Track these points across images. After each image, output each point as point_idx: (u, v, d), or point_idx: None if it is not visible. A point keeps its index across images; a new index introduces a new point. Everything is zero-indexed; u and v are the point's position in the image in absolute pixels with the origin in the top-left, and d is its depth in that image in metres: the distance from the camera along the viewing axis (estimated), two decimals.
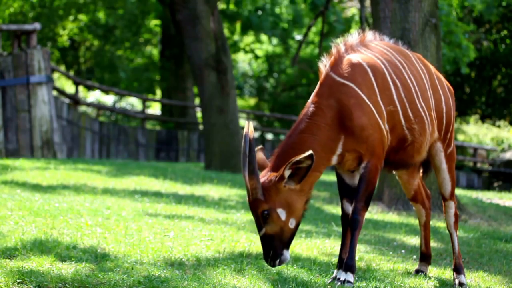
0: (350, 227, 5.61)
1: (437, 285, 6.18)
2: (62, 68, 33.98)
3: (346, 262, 5.61)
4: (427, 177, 6.60)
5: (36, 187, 11.09)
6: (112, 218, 8.18)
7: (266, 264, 6.33)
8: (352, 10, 30.29)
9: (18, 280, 5.24)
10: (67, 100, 23.31)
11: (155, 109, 35.89)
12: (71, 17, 29.99)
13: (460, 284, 6.24)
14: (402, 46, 6.13)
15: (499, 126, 31.47)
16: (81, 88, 32.62)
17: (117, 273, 5.47)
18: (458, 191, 16.09)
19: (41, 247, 6.17)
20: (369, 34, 5.92)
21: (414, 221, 10.49)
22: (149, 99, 28.23)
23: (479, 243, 8.78)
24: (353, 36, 5.83)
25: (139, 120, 28.04)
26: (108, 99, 33.69)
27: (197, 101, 28.45)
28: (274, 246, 5.47)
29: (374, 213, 11.61)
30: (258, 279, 5.68)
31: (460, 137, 29.97)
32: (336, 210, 11.63)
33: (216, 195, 12.10)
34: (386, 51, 5.84)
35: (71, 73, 34.78)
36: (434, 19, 11.61)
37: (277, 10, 28.70)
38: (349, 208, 5.77)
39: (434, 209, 11.61)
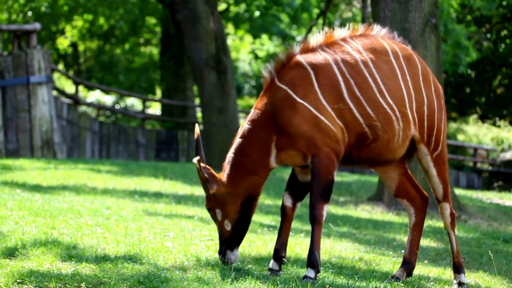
0: (310, 222, 5.79)
1: (437, 285, 6.18)
2: (61, 67, 33.99)
3: (307, 257, 5.79)
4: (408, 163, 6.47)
5: (36, 187, 11.08)
6: (112, 218, 8.18)
7: (266, 264, 6.34)
8: (353, 10, 30.29)
9: (18, 280, 5.24)
10: (67, 100, 23.30)
11: (155, 109, 35.88)
12: (70, 25, 30.00)
13: (460, 284, 6.19)
14: (391, 41, 6.12)
15: (499, 126, 31.46)
16: (81, 88, 32.63)
17: (117, 273, 5.47)
18: (458, 191, 16.08)
19: (41, 247, 6.17)
20: (342, 32, 6.00)
21: None
22: (149, 99, 28.22)
23: (479, 243, 8.78)
24: (318, 36, 5.98)
25: (139, 120, 28.03)
26: (108, 99, 33.68)
27: (197, 101, 28.45)
28: (220, 243, 5.95)
29: (374, 213, 11.61)
30: (258, 279, 5.68)
31: (460, 137, 29.95)
32: (336, 210, 11.64)
33: None
34: (350, 50, 5.92)
35: (71, 73, 34.79)
36: (434, 19, 11.61)
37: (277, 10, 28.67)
38: (288, 201, 6.03)
39: (433, 208, 11.62)
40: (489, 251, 7.83)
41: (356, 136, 5.83)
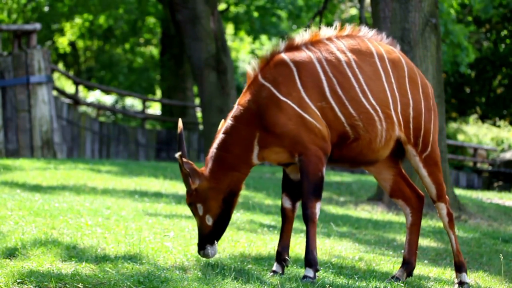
0: (304, 221, 5.79)
1: (437, 285, 6.18)
2: (61, 67, 33.98)
3: (305, 257, 5.78)
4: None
5: (36, 187, 11.08)
6: (112, 218, 8.18)
7: (266, 264, 6.35)
8: (351, 10, 30.29)
9: (18, 280, 5.24)
10: (67, 100, 23.31)
11: (155, 109, 35.89)
12: (70, 23, 30.00)
13: (461, 283, 6.18)
14: (376, 42, 6.12)
15: (499, 126, 31.46)
16: (81, 88, 32.63)
17: (117, 273, 5.47)
18: (458, 191, 16.08)
19: (41, 247, 6.17)
20: (328, 31, 6.02)
21: None
22: (149, 99, 28.22)
23: (479, 243, 8.78)
24: (303, 34, 6.00)
25: (139, 120, 28.04)
26: (108, 99, 33.68)
27: (197, 101, 28.45)
28: (199, 238, 5.93)
29: (374, 213, 11.61)
30: (258, 279, 5.68)
31: (460, 137, 29.95)
32: (336, 210, 11.63)
33: None
34: (334, 50, 5.94)
35: (71, 73, 34.78)
36: (434, 19, 11.61)
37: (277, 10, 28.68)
38: (287, 203, 6.04)
39: (433, 208, 11.61)
40: (500, 254, 7.83)
41: (338, 135, 5.85)
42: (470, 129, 30.50)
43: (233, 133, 5.87)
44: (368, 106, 5.88)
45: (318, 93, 5.81)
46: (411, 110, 6.07)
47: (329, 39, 6.00)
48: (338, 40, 6.00)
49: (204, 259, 6.12)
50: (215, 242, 5.95)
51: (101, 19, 29.79)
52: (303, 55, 5.90)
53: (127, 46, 33.19)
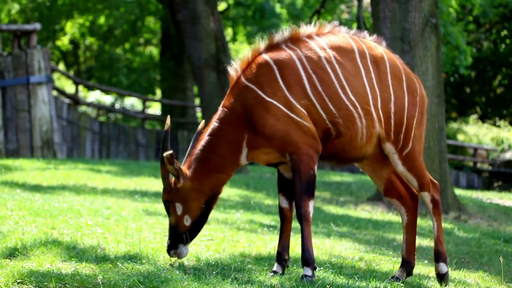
0: (298, 221, 5.80)
1: (437, 285, 6.18)
2: (61, 67, 33.98)
3: (301, 256, 5.78)
4: None
5: (36, 187, 11.08)
6: (112, 218, 8.18)
7: (266, 264, 6.34)
8: (352, 10, 30.27)
9: (18, 280, 5.24)
10: (67, 100, 23.30)
11: (155, 109, 35.89)
12: (71, 22, 30.00)
13: (439, 275, 6.07)
14: (358, 37, 6.11)
15: (499, 126, 31.47)
16: (81, 88, 32.63)
17: (117, 273, 5.47)
18: (458, 191, 16.08)
19: (41, 247, 6.17)
20: (308, 29, 6.01)
21: None
22: (149, 99, 28.21)
23: (479, 243, 8.78)
24: (283, 32, 5.99)
25: (139, 120, 28.03)
26: (108, 99, 33.69)
27: (197, 101, 28.44)
28: (172, 237, 5.93)
29: (374, 213, 11.61)
30: (258, 279, 5.68)
31: (460, 137, 29.94)
32: (336, 210, 11.63)
33: None
34: (314, 47, 5.92)
35: (71, 73, 34.78)
36: (434, 19, 11.61)
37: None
38: (284, 203, 6.05)
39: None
40: (500, 256, 7.82)
41: (322, 132, 5.84)
42: (470, 129, 30.50)
43: (220, 135, 5.88)
44: (347, 103, 5.85)
45: (300, 91, 5.81)
46: (392, 105, 6.01)
47: (309, 36, 5.99)
48: (318, 37, 5.99)
49: (175, 259, 6.08)
50: (189, 242, 5.97)
51: (101, 19, 29.78)
52: (283, 54, 5.88)
53: (127, 46, 33.19)
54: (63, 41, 32.22)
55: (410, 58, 11.40)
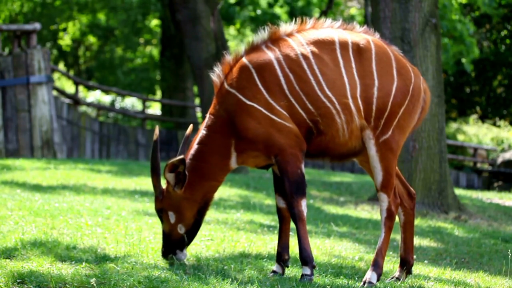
0: (292, 221, 5.80)
1: (437, 285, 6.18)
2: (62, 67, 33.98)
3: (299, 256, 5.77)
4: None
5: (36, 187, 11.08)
6: (112, 218, 8.18)
7: (266, 264, 6.34)
8: (352, 10, 30.27)
9: (18, 280, 5.24)
10: (67, 100, 23.31)
11: (155, 109, 35.89)
12: (72, 21, 30.01)
13: (369, 282, 5.78)
14: (340, 29, 6.01)
15: (499, 126, 31.47)
16: (81, 88, 32.63)
17: (117, 273, 5.47)
18: (458, 191, 16.08)
19: (41, 247, 6.17)
20: (288, 27, 5.96)
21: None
22: (149, 99, 28.21)
23: (479, 243, 8.78)
24: (262, 33, 5.96)
25: (139, 120, 28.04)
26: (108, 99, 33.68)
27: (197, 101, 28.44)
28: (167, 244, 5.99)
29: (374, 213, 11.61)
30: (258, 279, 5.68)
31: (460, 137, 29.95)
32: (336, 210, 11.63)
33: (216, 195, 12.08)
34: (293, 45, 5.87)
35: (71, 73, 34.78)
36: (434, 19, 11.61)
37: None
38: (281, 202, 6.05)
39: (434, 208, 11.63)
40: (489, 251, 7.81)
41: (305, 131, 5.82)
42: (470, 129, 30.50)
43: (209, 143, 5.90)
44: (324, 100, 5.78)
45: (279, 92, 5.78)
46: (376, 90, 5.85)
47: (290, 34, 5.94)
48: (298, 34, 5.93)
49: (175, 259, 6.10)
50: (185, 247, 6.02)
51: (101, 15, 29.76)
52: (262, 55, 5.86)
53: (127, 46, 33.19)
54: (65, 41, 32.22)
55: (410, 58, 11.40)
